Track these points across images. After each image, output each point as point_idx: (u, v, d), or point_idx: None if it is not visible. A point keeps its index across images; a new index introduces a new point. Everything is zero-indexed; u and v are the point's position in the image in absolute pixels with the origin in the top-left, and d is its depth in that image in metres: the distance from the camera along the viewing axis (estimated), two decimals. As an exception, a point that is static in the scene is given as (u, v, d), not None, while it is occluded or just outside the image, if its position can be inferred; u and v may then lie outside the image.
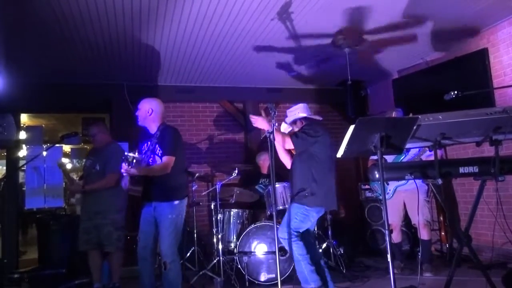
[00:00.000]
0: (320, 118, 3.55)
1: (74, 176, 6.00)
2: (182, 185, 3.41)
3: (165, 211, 3.22)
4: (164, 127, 3.42)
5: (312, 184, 3.23)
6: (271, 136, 3.03)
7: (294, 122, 3.53)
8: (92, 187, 3.88)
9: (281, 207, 4.25)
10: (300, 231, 3.27)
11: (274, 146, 3.23)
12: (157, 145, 3.31)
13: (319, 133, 3.30)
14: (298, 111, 3.50)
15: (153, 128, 3.42)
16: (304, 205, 3.22)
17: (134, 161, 3.08)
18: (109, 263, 3.97)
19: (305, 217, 3.24)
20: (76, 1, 3.40)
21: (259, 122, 3.26)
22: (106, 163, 3.90)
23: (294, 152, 3.39)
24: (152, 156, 3.32)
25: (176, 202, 3.26)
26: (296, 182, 3.33)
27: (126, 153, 3.13)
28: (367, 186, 5.56)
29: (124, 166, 3.03)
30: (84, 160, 4.37)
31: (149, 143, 3.38)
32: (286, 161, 3.51)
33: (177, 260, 3.26)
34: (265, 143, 3.16)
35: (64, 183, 6.00)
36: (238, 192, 4.65)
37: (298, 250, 3.20)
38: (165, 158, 3.24)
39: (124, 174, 3.12)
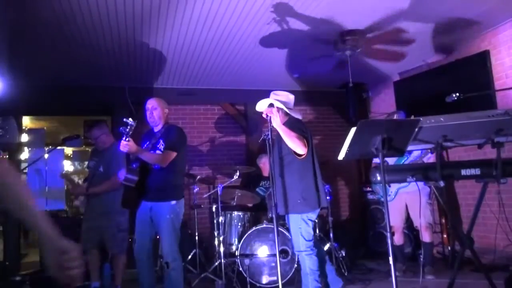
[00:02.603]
0: (300, 118, 3.36)
1: (76, 179, 6.01)
2: (180, 186, 3.41)
3: (162, 211, 3.21)
4: (170, 125, 3.47)
5: (303, 188, 3.16)
6: (269, 140, 3.01)
7: (272, 106, 3.25)
8: (96, 190, 3.88)
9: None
10: (311, 238, 3.21)
11: (273, 149, 3.19)
12: (161, 140, 3.33)
13: (307, 131, 3.21)
14: (285, 101, 3.30)
15: (159, 126, 3.45)
16: (300, 213, 3.16)
17: (132, 130, 3.00)
18: (113, 265, 3.98)
19: (306, 223, 3.20)
20: (78, 4, 3.42)
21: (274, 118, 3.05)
22: (109, 165, 3.91)
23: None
24: (153, 151, 3.33)
25: (174, 202, 3.25)
26: (285, 190, 3.22)
27: (124, 119, 3.02)
28: (369, 188, 5.55)
29: (123, 143, 3.01)
30: (87, 161, 4.37)
31: (152, 140, 3.39)
32: (298, 145, 3.07)
33: (179, 259, 3.25)
34: (265, 146, 3.13)
35: (66, 186, 6.02)
36: (239, 194, 4.65)
37: (311, 264, 3.17)
38: (165, 152, 3.24)
39: (123, 150, 3.07)
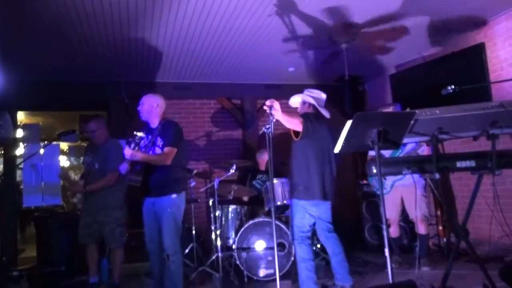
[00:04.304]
0: (328, 116, 3.47)
1: (73, 175, 5.99)
2: (180, 179, 3.44)
3: (164, 205, 3.28)
4: (166, 121, 3.47)
5: (305, 177, 3.22)
6: (270, 133, 3.00)
7: (304, 103, 3.47)
8: (93, 188, 3.87)
9: (279, 203, 4.26)
10: (305, 230, 3.25)
11: (272, 143, 3.18)
12: (158, 137, 3.35)
13: (321, 124, 3.29)
14: (317, 98, 3.45)
15: (155, 122, 3.46)
16: (300, 199, 3.23)
17: (142, 141, 3.17)
18: (111, 260, 3.98)
19: (304, 213, 3.24)
20: (72, -2, 3.39)
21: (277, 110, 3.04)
22: (105, 161, 3.88)
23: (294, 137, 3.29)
24: (152, 148, 3.36)
25: (174, 196, 3.30)
26: (292, 175, 3.35)
27: (134, 132, 3.16)
28: (365, 182, 5.57)
29: (128, 150, 3.11)
30: (82, 156, 4.35)
31: (149, 137, 3.41)
32: (293, 123, 3.18)
33: (179, 252, 3.32)
34: (265, 140, 3.11)
35: (63, 184, 6.00)
36: (236, 188, 4.66)
37: (300, 252, 3.21)
38: (166, 149, 3.27)
39: (127, 157, 3.16)
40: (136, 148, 3.14)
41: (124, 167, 3.29)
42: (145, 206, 3.42)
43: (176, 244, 3.27)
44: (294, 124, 3.18)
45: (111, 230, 3.85)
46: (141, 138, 3.17)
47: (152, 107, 3.42)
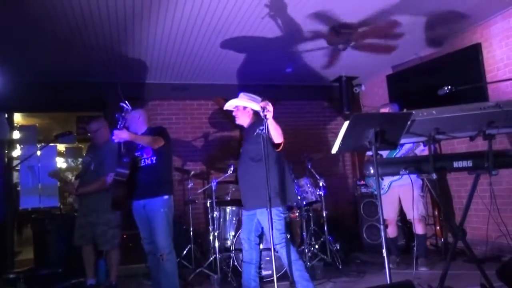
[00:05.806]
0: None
1: (69, 175, 5.96)
2: (171, 181, 3.57)
3: (157, 206, 3.33)
4: (153, 127, 3.65)
5: (274, 185, 3.12)
6: (263, 134, 2.99)
7: (245, 108, 3.35)
8: (85, 190, 3.87)
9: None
10: (284, 231, 3.18)
11: (266, 143, 3.15)
12: None
13: None
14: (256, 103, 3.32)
15: (142, 130, 3.59)
16: (274, 207, 3.04)
17: (128, 116, 3.22)
18: (107, 262, 3.97)
19: (278, 216, 3.16)
20: (69, 0, 3.39)
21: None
22: (101, 164, 3.88)
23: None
24: (141, 150, 3.44)
25: (166, 197, 3.38)
26: (259, 184, 3.09)
27: (120, 103, 3.21)
28: (362, 182, 5.58)
29: (116, 132, 3.15)
30: (84, 156, 4.35)
31: (140, 145, 3.48)
32: (280, 135, 3.13)
33: (173, 252, 3.38)
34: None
35: (58, 184, 5.98)
36: (233, 189, 4.65)
37: (288, 255, 3.15)
38: (155, 136, 3.36)
39: (115, 139, 3.19)
40: (122, 125, 3.18)
41: (110, 178, 3.33)
42: (135, 210, 3.47)
43: (170, 243, 3.35)
44: (278, 135, 3.08)
45: (103, 232, 3.84)
46: (128, 110, 3.21)
47: (135, 118, 3.56)
